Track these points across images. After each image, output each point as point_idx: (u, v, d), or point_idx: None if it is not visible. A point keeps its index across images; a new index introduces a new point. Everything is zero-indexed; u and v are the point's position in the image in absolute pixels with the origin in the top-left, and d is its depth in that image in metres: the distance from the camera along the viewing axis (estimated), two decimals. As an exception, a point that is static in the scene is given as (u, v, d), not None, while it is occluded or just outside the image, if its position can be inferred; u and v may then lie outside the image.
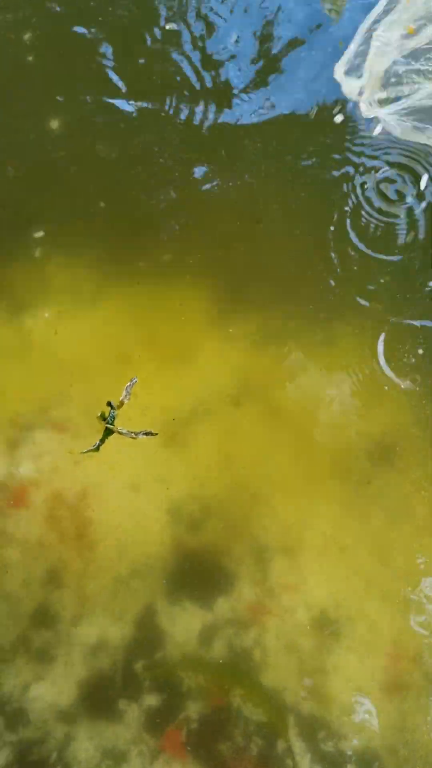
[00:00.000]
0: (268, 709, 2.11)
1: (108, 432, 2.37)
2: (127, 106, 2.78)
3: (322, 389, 2.50)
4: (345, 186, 2.65)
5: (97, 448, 2.37)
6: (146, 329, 2.55)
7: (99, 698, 2.14)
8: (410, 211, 2.58)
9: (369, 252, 2.61)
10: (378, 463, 2.39)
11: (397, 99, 2.15)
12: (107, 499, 2.35)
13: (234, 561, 2.29)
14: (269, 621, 2.21)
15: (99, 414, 2.35)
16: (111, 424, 2.34)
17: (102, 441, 2.38)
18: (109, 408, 2.36)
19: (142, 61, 2.80)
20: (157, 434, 2.36)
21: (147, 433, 2.35)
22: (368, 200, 2.57)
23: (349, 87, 2.30)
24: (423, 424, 2.44)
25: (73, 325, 2.53)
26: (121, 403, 2.35)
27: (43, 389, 2.46)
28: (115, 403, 2.36)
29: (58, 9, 2.84)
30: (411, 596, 2.21)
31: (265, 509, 2.36)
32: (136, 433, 2.35)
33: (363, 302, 2.58)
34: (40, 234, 2.64)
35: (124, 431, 2.34)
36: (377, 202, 2.53)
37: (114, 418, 2.36)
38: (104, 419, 2.35)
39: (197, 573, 2.28)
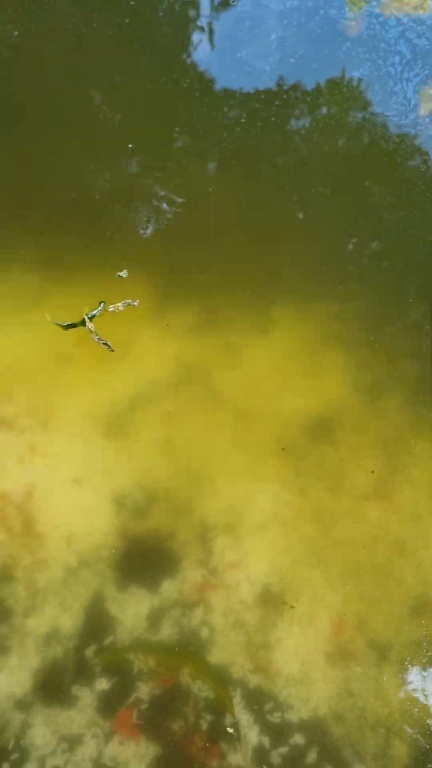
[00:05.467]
0: (216, 686, 2.14)
1: (82, 322, 2.52)
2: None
3: (257, 371, 2.54)
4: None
5: (66, 327, 2.53)
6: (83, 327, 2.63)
7: (53, 685, 2.19)
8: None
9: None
10: (316, 436, 2.42)
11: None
12: (53, 494, 2.41)
13: (179, 544, 2.34)
14: (214, 599, 2.25)
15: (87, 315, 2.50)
16: (89, 318, 2.48)
17: (72, 325, 2.53)
18: (99, 305, 2.50)
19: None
20: (114, 351, 2.48)
21: (106, 344, 2.46)
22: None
23: None
24: (362, 394, 2.46)
25: (12, 326, 2.61)
26: (108, 310, 2.47)
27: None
28: (105, 306, 2.47)
29: None
30: (352, 564, 2.22)
31: (208, 491, 2.40)
32: (101, 339, 2.48)
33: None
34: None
35: (92, 328, 2.48)
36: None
37: (94, 316, 2.49)
38: (87, 314, 2.50)
39: (144, 558, 2.33)
